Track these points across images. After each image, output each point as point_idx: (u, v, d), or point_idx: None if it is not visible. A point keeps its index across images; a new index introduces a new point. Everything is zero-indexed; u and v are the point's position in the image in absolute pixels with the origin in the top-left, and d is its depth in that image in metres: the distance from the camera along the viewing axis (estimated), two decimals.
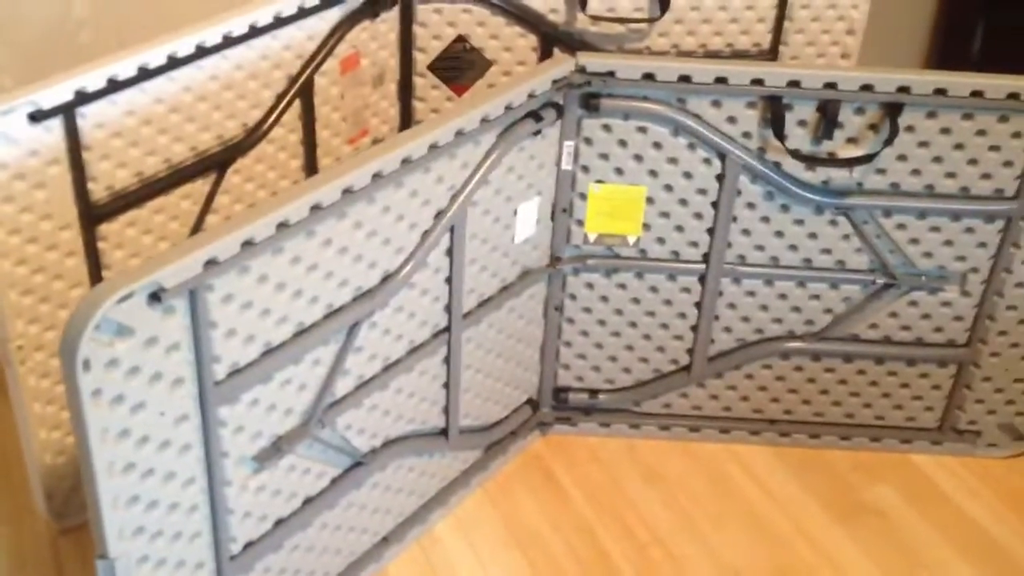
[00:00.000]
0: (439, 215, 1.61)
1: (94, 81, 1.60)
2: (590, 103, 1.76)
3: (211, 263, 1.28)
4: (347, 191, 1.43)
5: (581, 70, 1.74)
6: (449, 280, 1.69)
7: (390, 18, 2.07)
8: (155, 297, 1.24)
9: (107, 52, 2.13)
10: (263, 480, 1.49)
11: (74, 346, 1.17)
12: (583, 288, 1.95)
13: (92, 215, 1.68)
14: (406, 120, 2.21)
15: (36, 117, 1.54)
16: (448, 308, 1.72)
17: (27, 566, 1.77)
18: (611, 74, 1.74)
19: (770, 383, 2.00)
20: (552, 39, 2.15)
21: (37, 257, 1.62)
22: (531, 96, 1.68)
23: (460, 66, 2.18)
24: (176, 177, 1.78)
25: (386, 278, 1.57)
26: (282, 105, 1.92)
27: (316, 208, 1.39)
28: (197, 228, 1.85)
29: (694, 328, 1.96)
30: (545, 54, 2.16)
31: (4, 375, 1.67)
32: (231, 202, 1.90)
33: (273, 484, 1.51)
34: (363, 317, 1.54)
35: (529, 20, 2.13)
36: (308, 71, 1.94)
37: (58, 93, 1.56)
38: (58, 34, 2.11)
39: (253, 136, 1.89)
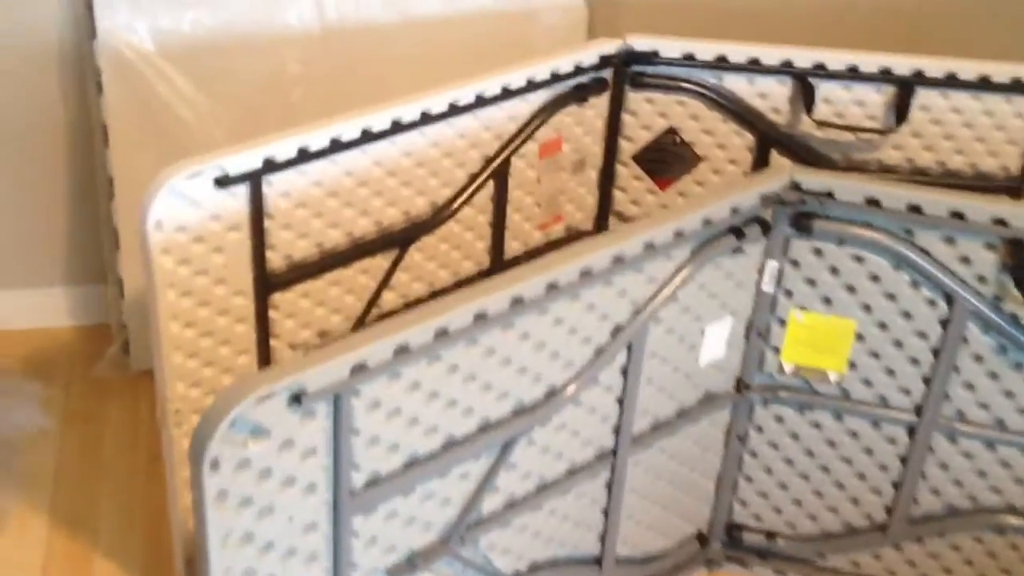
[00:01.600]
0: (617, 331, 1.48)
1: (285, 150, 1.56)
2: (802, 223, 1.59)
3: (359, 368, 1.19)
4: (517, 301, 1.32)
5: (795, 187, 1.57)
6: (621, 400, 1.55)
7: (598, 104, 1.97)
8: (296, 399, 1.16)
9: (318, 110, 2.13)
10: None
11: (204, 445, 1.10)
12: (772, 421, 1.76)
13: (267, 283, 1.64)
14: (604, 209, 2.09)
15: (223, 182, 1.51)
16: (617, 429, 1.58)
17: None
18: (829, 194, 1.56)
19: (979, 559, 1.74)
20: (771, 141, 1.99)
21: (207, 321, 1.59)
22: (735, 211, 1.52)
23: (667, 159, 2.05)
24: (357, 251, 1.73)
25: (551, 394, 1.45)
26: (475, 185, 1.84)
27: (480, 317, 1.29)
28: (372, 304, 1.79)
29: (896, 485, 1.73)
30: (761, 156, 2.01)
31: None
32: (410, 280, 1.83)
33: None
34: (520, 433, 1.43)
35: (747, 118, 1.98)
36: (506, 152, 1.86)
37: (247, 160, 1.53)
38: (272, 90, 2.11)
39: (441, 215, 1.82)
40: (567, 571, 1.63)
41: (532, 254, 2.01)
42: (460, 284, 1.92)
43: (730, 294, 1.62)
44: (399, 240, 1.78)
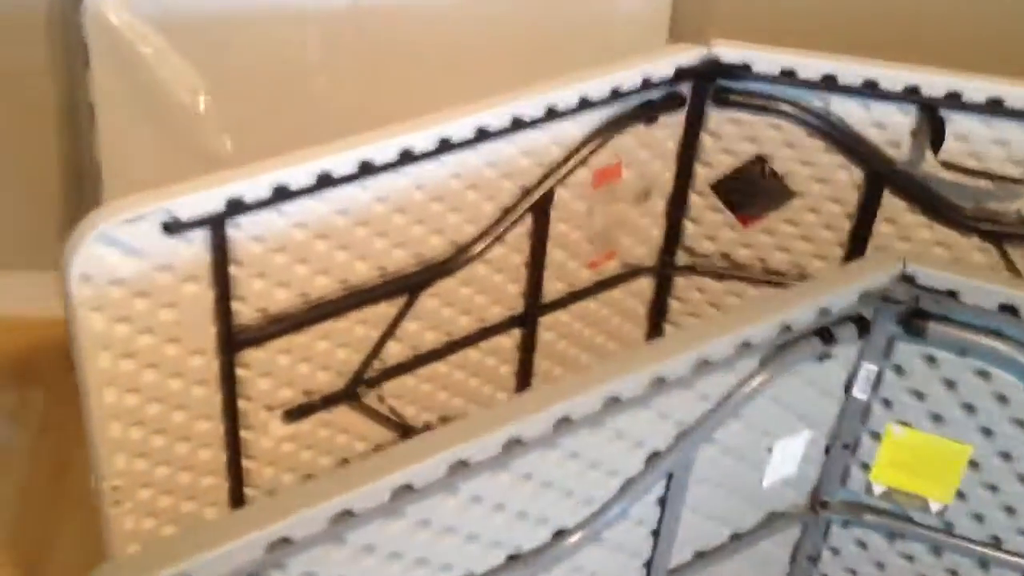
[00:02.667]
0: (654, 458, 1.14)
1: (256, 190, 1.24)
2: (913, 323, 1.22)
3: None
4: (515, 441, 0.98)
5: (908, 279, 1.20)
6: (656, 533, 1.22)
7: (672, 124, 1.60)
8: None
9: (342, 101, 1.80)
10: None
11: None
12: (852, 545, 1.42)
13: (234, 340, 1.33)
14: (671, 244, 1.74)
15: (172, 228, 1.20)
16: (648, 565, 1.25)
17: None
18: (952, 294, 1.19)
19: None
20: (885, 180, 1.61)
21: (154, 386, 1.29)
22: (823, 312, 1.16)
23: (753, 191, 1.68)
24: (353, 300, 1.41)
25: (558, 535, 1.12)
26: (510, 221, 1.50)
27: (461, 464, 0.96)
28: (374, 357, 1.48)
29: None
30: (871, 196, 1.63)
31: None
32: (422, 329, 1.51)
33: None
34: None
35: (858, 151, 1.60)
36: (550, 182, 1.52)
37: (205, 202, 1.20)
38: (288, 76, 1.79)
39: (463, 255, 1.49)
40: None
41: (577, 295, 1.68)
42: (486, 332, 1.59)
43: (810, 405, 1.27)
44: (408, 286, 1.46)
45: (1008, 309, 1.17)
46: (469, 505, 1.01)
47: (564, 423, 1.01)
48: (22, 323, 2.09)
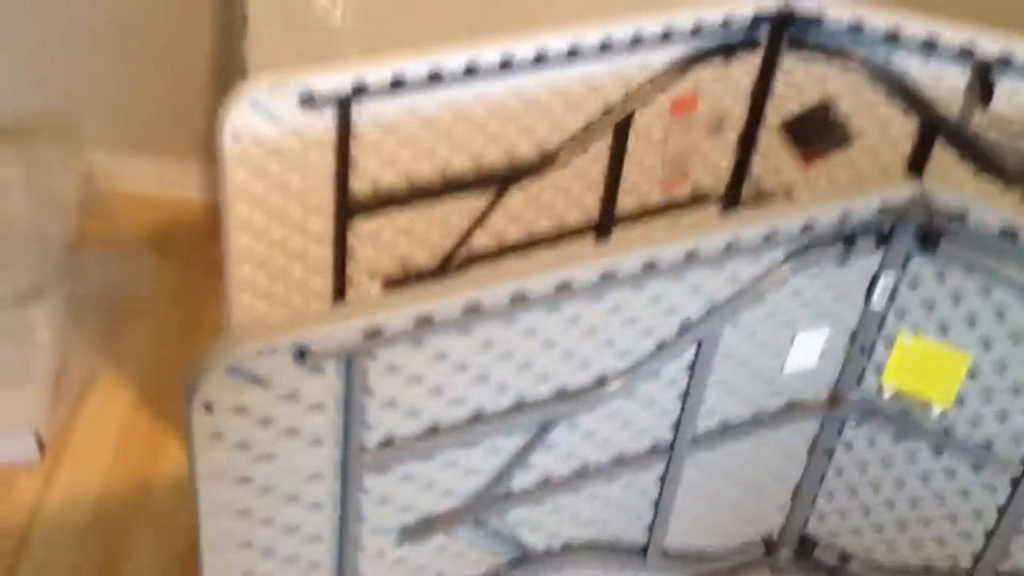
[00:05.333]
0: (685, 328, 1.36)
1: (378, 76, 1.48)
2: (928, 241, 1.41)
3: (375, 334, 1.13)
4: (564, 287, 1.21)
5: (924, 201, 1.39)
6: (684, 397, 1.44)
7: (747, 63, 1.79)
8: (301, 355, 1.11)
9: (455, 26, 2.04)
10: (405, 553, 1.35)
11: (196, 386, 1.07)
12: (864, 442, 1.61)
13: (349, 208, 1.59)
14: (739, 175, 1.93)
15: (307, 102, 1.45)
16: (676, 426, 1.47)
17: None
18: (963, 216, 1.37)
19: None
20: (937, 131, 1.77)
21: (281, 237, 1.55)
22: (844, 218, 1.36)
23: (817, 130, 1.86)
24: (449, 187, 1.65)
25: (599, 382, 1.34)
26: (592, 133, 1.72)
27: (519, 297, 1.19)
28: (463, 243, 1.72)
29: (989, 534, 1.56)
30: (924, 145, 1.79)
31: None
32: (507, 223, 1.75)
33: (417, 559, 1.37)
34: (559, 417, 1.34)
35: (914, 103, 1.77)
36: (632, 103, 1.73)
37: (336, 82, 1.46)
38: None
39: (548, 160, 1.71)
40: (606, 556, 1.55)
41: (649, 213, 1.89)
42: (564, 235, 1.82)
43: (830, 304, 1.46)
44: (499, 180, 1.69)
45: (1009, 233, 1.35)
46: (525, 336, 1.24)
47: (608, 278, 1.23)
48: (162, 202, 2.39)
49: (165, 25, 2.23)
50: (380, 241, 1.65)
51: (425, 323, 1.14)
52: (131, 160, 2.38)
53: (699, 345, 1.39)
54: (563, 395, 1.33)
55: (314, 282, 1.63)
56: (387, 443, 1.24)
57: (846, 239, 1.38)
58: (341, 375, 1.15)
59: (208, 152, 2.35)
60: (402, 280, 1.71)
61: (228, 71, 2.21)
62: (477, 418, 1.28)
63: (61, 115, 2.33)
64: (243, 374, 1.09)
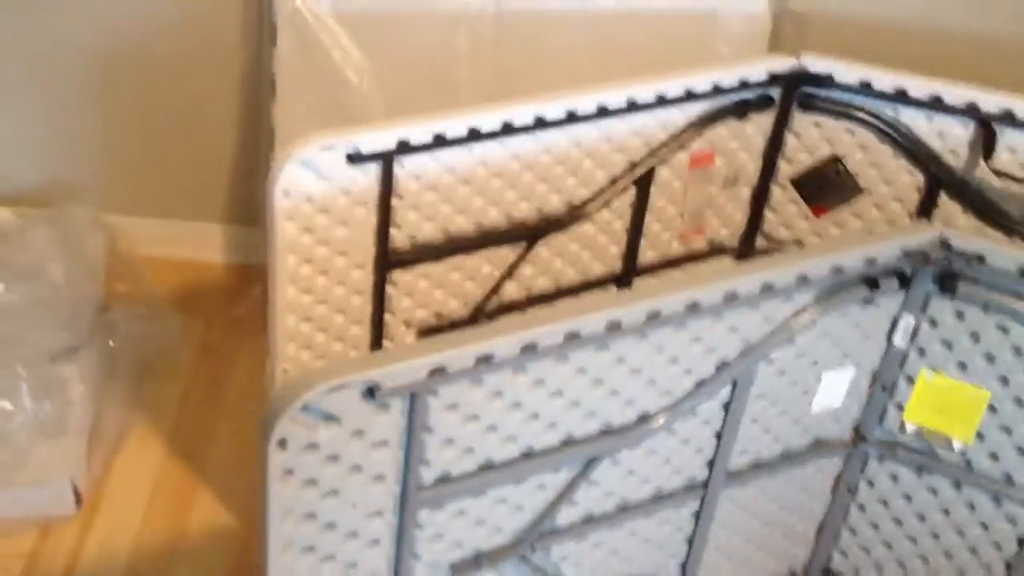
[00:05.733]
0: (723, 366, 1.42)
1: (421, 134, 1.56)
2: (947, 283, 1.49)
3: (439, 371, 1.19)
4: (614, 326, 1.28)
5: (944, 244, 1.47)
6: (719, 435, 1.50)
7: (760, 121, 1.89)
8: (370, 393, 1.16)
9: (476, 90, 2.13)
10: None
11: (273, 423, 1.12)
12: (886, 478, 1.67)
13: (388, 260, 1.66)
14: (752, 228, 2.02)
15: (354, 159, 1.53)
16: (711, 464, 1.52)
17: (244, 572, 1.81)
18: (980, 259, 1.45)
19: None
20: (942, 184, 1.86)
21: (324, 289, 1.62)
22: (870, 262, 1.43)
23: (827, 186, 1.95)
24: (483, 239, 1.73)
25: (642, 419, 1.41)
26: (617, 188, 1.80)
27: (572, 336, 1.26)
28: (494, 292, 1.79)
29: (1009, 565, 1.62)
30: (930, 198, 1.89)
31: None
32: (535, 274, 1.82)
33: None
34: (604, 453, 1.40)
35: (920, 157, 1.86)
36: (654, 159, 1.81)
37: (381, 139, 1.54)
38: (438, 65, 2.12)
39: (577, 213, 1.79)
40: None
41: (669, 263, 1.96)
42: (588, 285, 1.89)
43: (855, 344, 1.53)
44: (528, 234, 1.76)
45: None
46: (575, 375, 1.30)
47: (654, 318, 1.30)
48: (185, 264, 2.45)
49: (189, 94, 2.31)
50: (416, 292, 1.71)
51: (485, 361, 1.20)
52: (154, 224, 2.44)
53: (735, 384, 1.45)
54: (608, 432, 1.38)
55: (352, 332, 1.69)
56: (443, 479, 1.29)
57: (870, 281, 1.46)
58: (404, 412, 1.21)
59: (231, 215, 2.43)
60: (436, 329, 1.77)
61: (256, 136, 2.29)
62: (528, 455, 1.34)
63: (88, 182, 2.40)
64: (316, 411, 1.15)
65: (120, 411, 2.01)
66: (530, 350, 1.23)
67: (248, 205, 2.40)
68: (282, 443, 1.14)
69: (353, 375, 1.14)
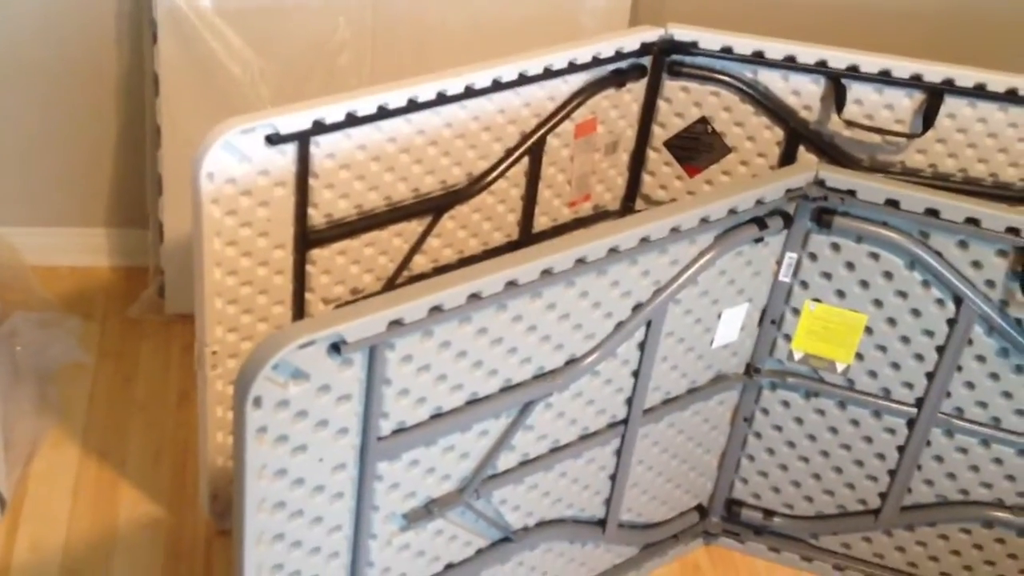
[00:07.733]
0: (638, 308, 1.56)
1: (334, 113, 1.63)
2: (823, 219, 1.66)
3: (396, 323, 1.27)
4: (546, 272, 1.39)
5: (819, 183, 1.64)
6: (636, 374, 1.63)
7: (636, 89, 2.03)
8: (335, 348, 1.24)
9: (361, 77, 2.20)
10: (408, 539, 1.48)
11: (248, 383, 1.18)
12: (778, 405, 1.84)
13: (307, 239, 1.72)
14: (632, 191, 2.16)
15: (273, 140, 1.59)
16: (630, 401, 1.66)
17: (181, 558, 1.84)
18: (851, 193, 1.63)
19: (966, 549, 1.82)
20: (800, 137, 2.05)
21: (248, 271, 1.67)
22: (759, 202, 1.59)
23: (697, 147, 2.11)
24: (394, 214, 1.81)
25: (570, 362, 1.52)
26: (511, 159, 1.91)
27: (511, 284, 1.36)
28: (404, 266, 1.87)
29: (892, 472, 1.81)
30: (789, 151, 2.07)
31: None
32: (441, 245, 1.91)
33: (418, 545, 1.50)
34: (539, 397, 1.51)
35: (779, 113, 2.04)
36: (543, 130, 1.93)
37: (298, 120, 1.60)
38: (318, 53, 2.19)
39: (476, 185, 1.89)
40: (572, 530, 1.72)
41: (560, 229, 2.08)
42: (489, 253, 1.99)
43: (748, 281, 1.69)
44: (435, 207, 1.85)
45: (892, 203, 1.61)
46: (512, 323, 1.41)
47: (580, 263, 1.42)
48: (77, 271, 2.43)
49: (64, 97, 2.29)
50: (334, 269, 1.78)
51: (436, 311, 1.30)
52: (38, 233, 2.41)
53: (648, 324, 1.59)
54: (541, 375, 1.49)
55: (276, 311, 1.74)
56: (399, 430, 1.38)
57: (759, 222, 1.62)
58: (365, 366, 1.29)
59: (118, 219, 2.42)
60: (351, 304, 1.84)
61: (140, 136, 2.29)
62: (472, 401, 1.43)
63: None
64: (285, 368, 1.22)
65: (31, 417, 2.00)
66: (475, 299, 1.33)
67: (135, 207, 2.39)
68: (257, 401, 1.21)
69: (321, 331, 1.21)
